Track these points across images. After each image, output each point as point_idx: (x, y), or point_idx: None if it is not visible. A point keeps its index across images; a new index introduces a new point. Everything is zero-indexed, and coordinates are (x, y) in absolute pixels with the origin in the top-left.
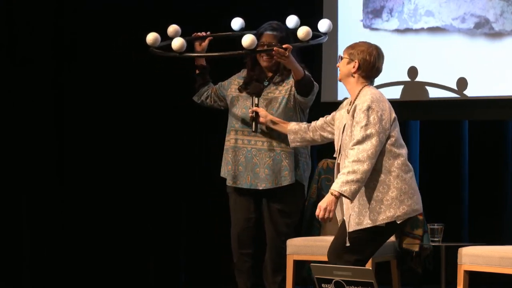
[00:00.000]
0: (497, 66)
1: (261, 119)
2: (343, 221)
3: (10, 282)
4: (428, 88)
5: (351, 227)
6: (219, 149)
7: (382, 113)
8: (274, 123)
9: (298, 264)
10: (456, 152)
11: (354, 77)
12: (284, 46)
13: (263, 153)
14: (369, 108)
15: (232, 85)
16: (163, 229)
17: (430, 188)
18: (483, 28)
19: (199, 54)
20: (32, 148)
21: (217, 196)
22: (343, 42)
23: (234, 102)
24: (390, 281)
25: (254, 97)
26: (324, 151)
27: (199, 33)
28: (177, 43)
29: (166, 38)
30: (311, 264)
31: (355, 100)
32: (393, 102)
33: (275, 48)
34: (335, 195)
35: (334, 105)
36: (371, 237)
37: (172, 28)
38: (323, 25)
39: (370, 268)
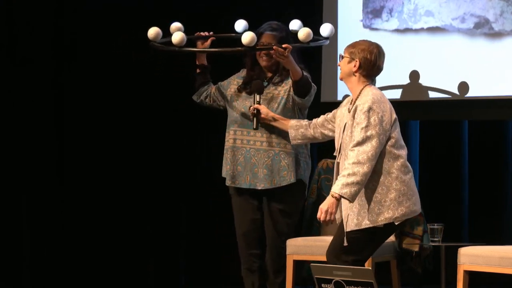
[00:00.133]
0: (496, 66)
1: (263, 116)
2: (342, 221)
3: (10, 282)
4: (428, 88)
5: (349, 227)
6: (219, 149)
7: (383, 114)
8: (275, 120)
9: (298, 264)
10: (456, 152)
11: (355, 76)
12: (283, 45)
13: (262, 153)
14: (370, 109)
15: (231, 85)
16: (163, 231)
17: (430, 188)
18: (483, 28)
19: (198, 49)
20: (32, 148)
21: (218, 196)
22: (343, 42)
23: (233, 102)
24: (390, 281)
25: (255, 94)
26: (324, 150)
27: (201, 33)
28: (177, 37)
29: (168, 36)
30: (311, 264)
31: (356, 99)
32: (393, 102)
33: (274, 47)
34: (335, 197)
35: (334, 105)
36: (369, 238)
37: (175, 26)
38: (325, 29)
39: (370, 268)
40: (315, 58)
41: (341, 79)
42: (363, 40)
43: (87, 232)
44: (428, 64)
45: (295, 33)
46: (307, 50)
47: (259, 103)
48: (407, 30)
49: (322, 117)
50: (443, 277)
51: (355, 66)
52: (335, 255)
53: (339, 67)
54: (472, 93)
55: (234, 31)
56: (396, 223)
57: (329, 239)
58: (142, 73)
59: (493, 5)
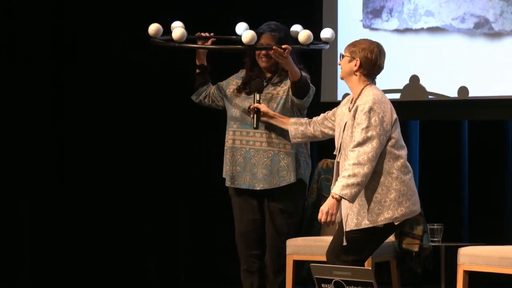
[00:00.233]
0: (496, 66)
1: (263, 113)
2: (342, 221)
3: (10, 282)
4: (428, 88)
5: (349, 226)
6: (219, 149)
7: (383, 114)
8: (275, 118)
9: (298, 264)
10: (456, 152)
11: (356, 75)
12: (283, 46)
13: (261, 153)
14: (370, 109)
15: (230, 85)
16: (163, 229)
17: (430, 188)
18: (483, 28)
19: (197, 46)
20: (32, 148)
21: (217, 196)
22: (343, 42)
23: (232, 103)
24: (390, 281)
25: (255, 93)
26: (324, 150)
27: (202, 33)
28: (178, 32)
29: (169, 35)
30: (311, 264)
31: (357, 99)
32: (393, 102)
33: (274, 47)
34: (336, 198)
35: (334, 105)
36: (369, 238)
37: (176, 24)
38: (326, 33)
39: (370, 268)
40: (315, 58)
41: (342, 78)
42: (364, 39)
43: (87, 231)
44: (428, 64)
45: (295, 37)
46: (307, 50)
47: (259, 102)
48: (407, 30)
49: (322, 115)
50: (443, 277)
51: (355, 65)
52: (335, 255)
53: (339, 66)
54: (472, 93)
55: (235, 32)
56: (396, 223)
57: (329, 239)
58: (142, 73)
59: (493, 5)
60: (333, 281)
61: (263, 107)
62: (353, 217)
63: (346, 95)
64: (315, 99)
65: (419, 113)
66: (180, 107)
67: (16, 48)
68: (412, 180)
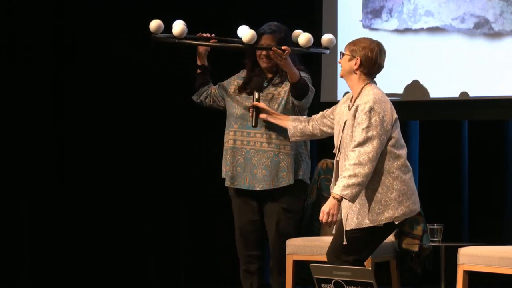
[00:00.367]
0: (496, 66)
1: (262, 115)
2: (342, 221)
3: (10, 282)
4: (428, 88)
5: (349, 226)
6: (219, 149)
7: (384, 114)
8: (274, 117)
9: (299, 264)
10: (456, 152)
11: (356, 74)
12: (283, 47)
13: (261, 154)
14: (371, 109)
15: (231, 85)
16: (163, 229)
17: (430, 188)
18: (483, 28)
19: (197, 42)
20: (32, 148)
21: (217, 196)
22: (343, 42)
23: (233, 103)
24: (389, 281)
25: (255, 92)
26: (324, 150)
27: (203, 34)
28: (178, 28)
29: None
30: (311, 264)
31: (356, 98)
32: (393, 102)
33: (273, 48)
34: (337, 199)
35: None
36: (369, 237)
37: (177, 22)
38: (327, 40)
39: (370, 268)
40: (314, 58)
41: (342, 77)
42: (364, 38)
43: (87, 231)
44: (428, 64)
45: (296, 40)
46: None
47: (258, 100)
48: (407, 30)
49: (321, 113)
50: (442, 277)
51: (356, 64)
52: (335, 255)
53: (339, 65)
54: (472, 93)
55: (235, 32)
56: (396, 223)
57: (328, 239)
58: (142, 73)
59: (493, 5)
60: (333, 281)
61: (262, 106)
62: (353, 217)
63: (346, 93)
64: (315, 99)
65: (419, 113)
66: (180, 107)
67: (16, 48)
68: (412, 179)
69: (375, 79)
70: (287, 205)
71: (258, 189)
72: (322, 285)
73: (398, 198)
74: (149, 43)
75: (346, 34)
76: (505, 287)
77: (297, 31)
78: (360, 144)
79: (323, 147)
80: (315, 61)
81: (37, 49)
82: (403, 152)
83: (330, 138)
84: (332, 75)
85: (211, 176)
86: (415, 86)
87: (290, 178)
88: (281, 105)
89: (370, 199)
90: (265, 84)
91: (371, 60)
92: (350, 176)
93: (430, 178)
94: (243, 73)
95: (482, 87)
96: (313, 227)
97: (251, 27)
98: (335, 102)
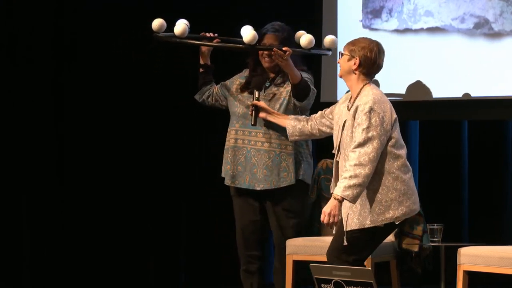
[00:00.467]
0: (496, 66)
1: (261, 114)
2: (342, 221)
3: (10, 282)
4: (428, 88)
5: (350, 226)
6: (219, 149)
7: (383, 114)
8: (273, 116)
9: (299, 264)
10: (456, 152)
11: (355, 74)
12: (284, 48)
13: (262, 153)
14: (371, 109)
15: (233, 85)
16: (163, 229)
17: (430, 188)
18: (483, 28)
19: (199, 42)
20: (32, 148)
21: (217, 196)
22: (343, 42)
23: (235, 102)
24: (389, 281)
25: (255, 91)
26: (324, 150)
27: (206, 34)
28: (180, 28)
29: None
30: (311, 264)
31: (356, 98)
32: (393, 102)
33: (274, 49)
34: (338, 200)
35: None
36: (369, 237)
37: (180, 21)
38: (329, 41)
39: (370, 268)
40: (314, 58)
41: (341, 77)
42: (363, 38)
43: (87, 231)
44: (428, 64)
45: (299, 41)
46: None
47: (258, 99)
48: (406, 30)
49: (319, 112)
50: (442, 277)
51: (355, 64)
52: (336, 255)
53: (338, 65)
54: (472, 93)
55: (235, 32)
56: (397, 223)
57: (328, 239)
58: (142, 73)
59: (493, 5)
60: (333, 281)
61: (261, 104)
62: (354, 217)
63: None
64: (315, 99)
65: (419, 113)
66: (180, 107)
67: (16, 48)
68: (412, 179)
69: (379, 80)
70: (290, 205)
71: (258, 188)
72: (322, 285)
73: (399, 198)
74: (149, 43)
75: (346, 34)
76: (505, 287)
77: (300, 32)
78: (361, 144)
79: (322, 147)
80: (315, 61)
81: (37, 49)
82: (403, 152)
83: (330, 138)
84: (332, 75)
85: (211, 176)
86: (415, 86)
87: (291, 178)
88: (283, 105)
89: (370, 199)
90: (267, 84)
91: (370, 60)
92: (351, 177)
93: (430, 178)
94: (245, 72)
95: (482, 87)
96: (313, 227)
97: (254, 29)
98: (335, 102)
